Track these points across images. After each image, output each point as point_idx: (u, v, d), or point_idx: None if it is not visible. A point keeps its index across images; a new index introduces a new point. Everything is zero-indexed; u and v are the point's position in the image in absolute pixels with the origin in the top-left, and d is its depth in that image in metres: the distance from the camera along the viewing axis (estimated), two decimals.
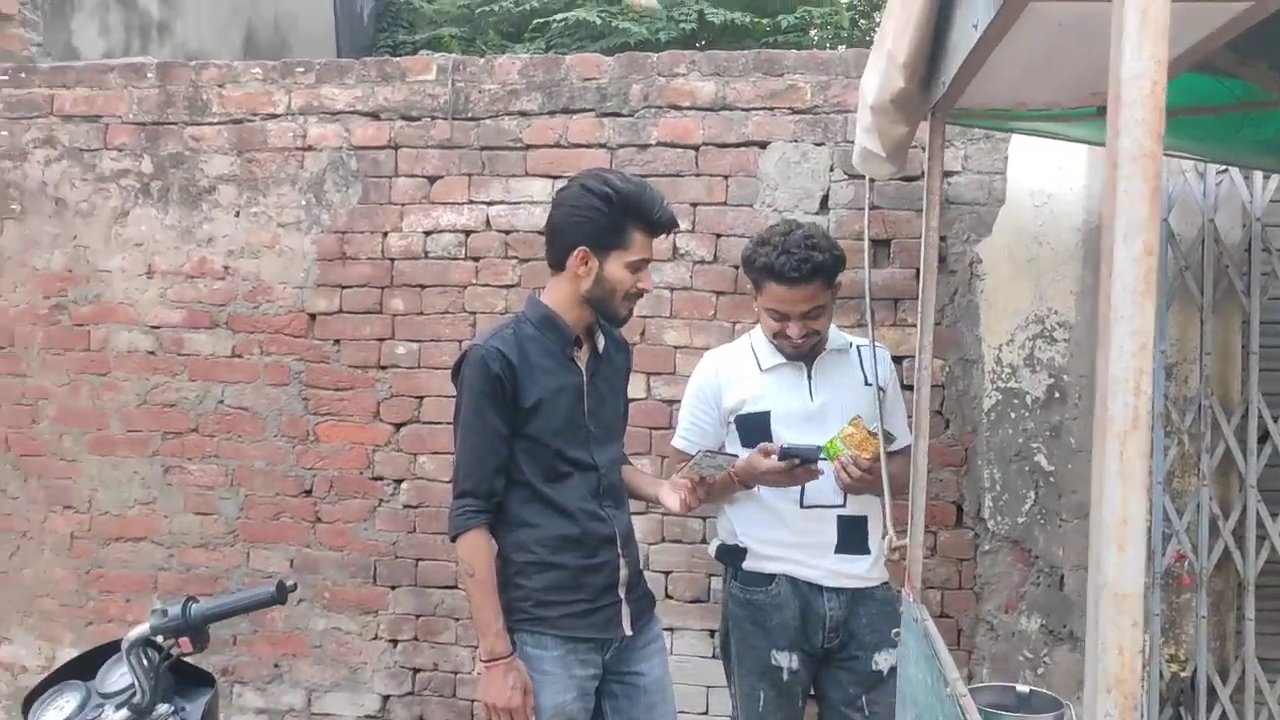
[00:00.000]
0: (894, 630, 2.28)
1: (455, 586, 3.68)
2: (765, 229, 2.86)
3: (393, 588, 3.74)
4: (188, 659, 1.93)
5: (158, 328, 3.87)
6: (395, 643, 3.75)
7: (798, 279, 2.59)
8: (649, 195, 2.41)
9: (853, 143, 3.36)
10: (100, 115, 3.90)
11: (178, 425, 3.86)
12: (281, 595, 1.97)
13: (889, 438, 2.58)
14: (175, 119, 3.86)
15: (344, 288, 3.80)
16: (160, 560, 3.85)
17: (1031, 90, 2.05)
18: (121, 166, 3.89)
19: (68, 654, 3.84)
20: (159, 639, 1.88)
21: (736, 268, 3.55)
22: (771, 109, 3.55)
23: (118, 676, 1.89)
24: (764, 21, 5.12)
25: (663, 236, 2.53)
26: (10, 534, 3.94)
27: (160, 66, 3.92)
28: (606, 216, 2.38)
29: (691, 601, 3.60)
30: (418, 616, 3.73)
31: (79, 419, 3.91)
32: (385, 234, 3.77)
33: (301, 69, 3.83)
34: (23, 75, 3.98)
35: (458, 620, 3.69)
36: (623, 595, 2.45)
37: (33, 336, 3.94)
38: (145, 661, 1.86)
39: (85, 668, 1.99)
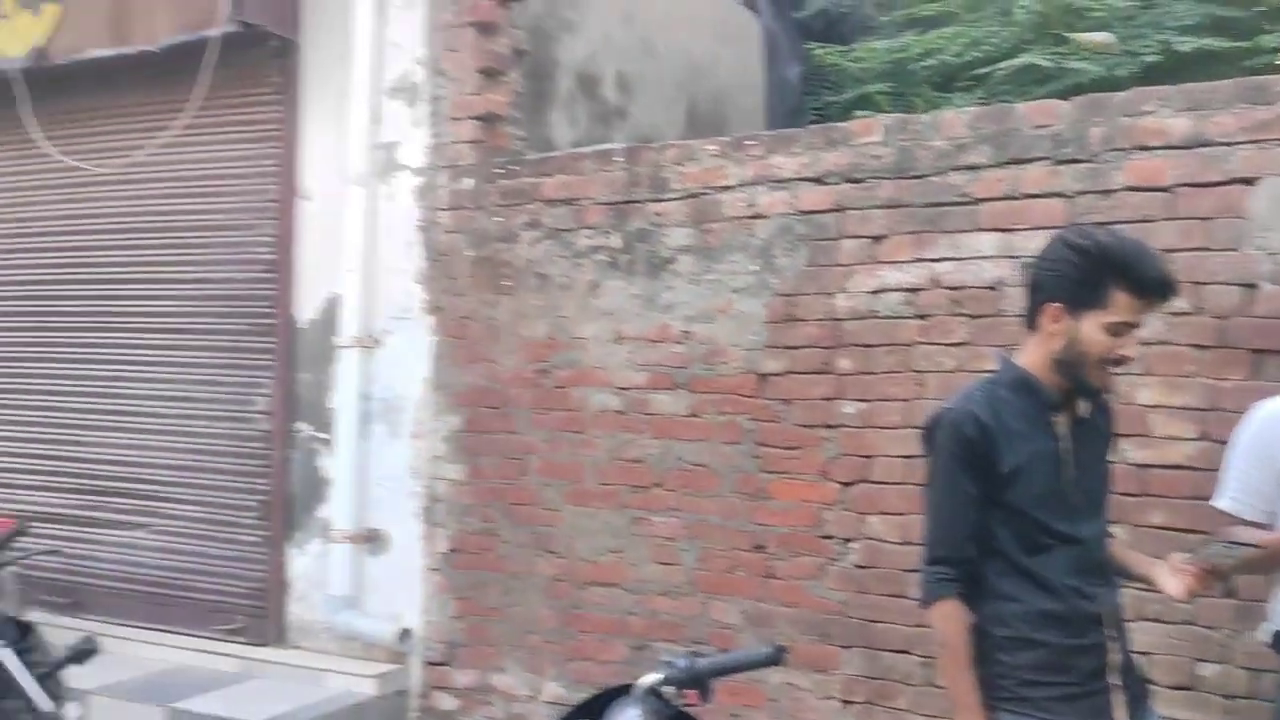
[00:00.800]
0: None
1: (909, 651, 3.62)
2: None
3: (845, 647, 3.75)
4: (690, 710, 2.06)
5: (625, 389, 4.21)
6: (848, 704, 3.74)
7: None
8: (1137, 251, 2.25)
9: None
10: (577, 198, 4.35)
11: (643, 480, 4.16)
12: (778, 657, 2.05)
13: None
14: (640, 197, 4.21)
15: (792, 349, 3.91)
16: (629, 605, 4.15)
17: None
18: (594, 243, 4.31)
19: (550, 686, 4.26)
20: (666, 689, 2.02)
21: (1222, 319, 3.23)
22: (1259, 141, 3.21)
23: None
24: (1240, 45, 4.61)
25: (1155, 301, 2.30)
26: (502, 574, 4.44)
27: (627, 150, 4.31)
28: (1082, 272, 2.25)
29: (1174, 688, 3.27)
30: (870, 679, 3.71)
31: (559, 472, 4.33)
32: (832, 295, 3.85)
33: (752, 142, 4.04)
34: (514, 168, 4.54)
35: (912, 686, 3.62)
36: (1115, 681, 2.28)
37: (522, 398, 4.44)
38: (654, 709, 2.00)
39: (593, 710, 2.18)
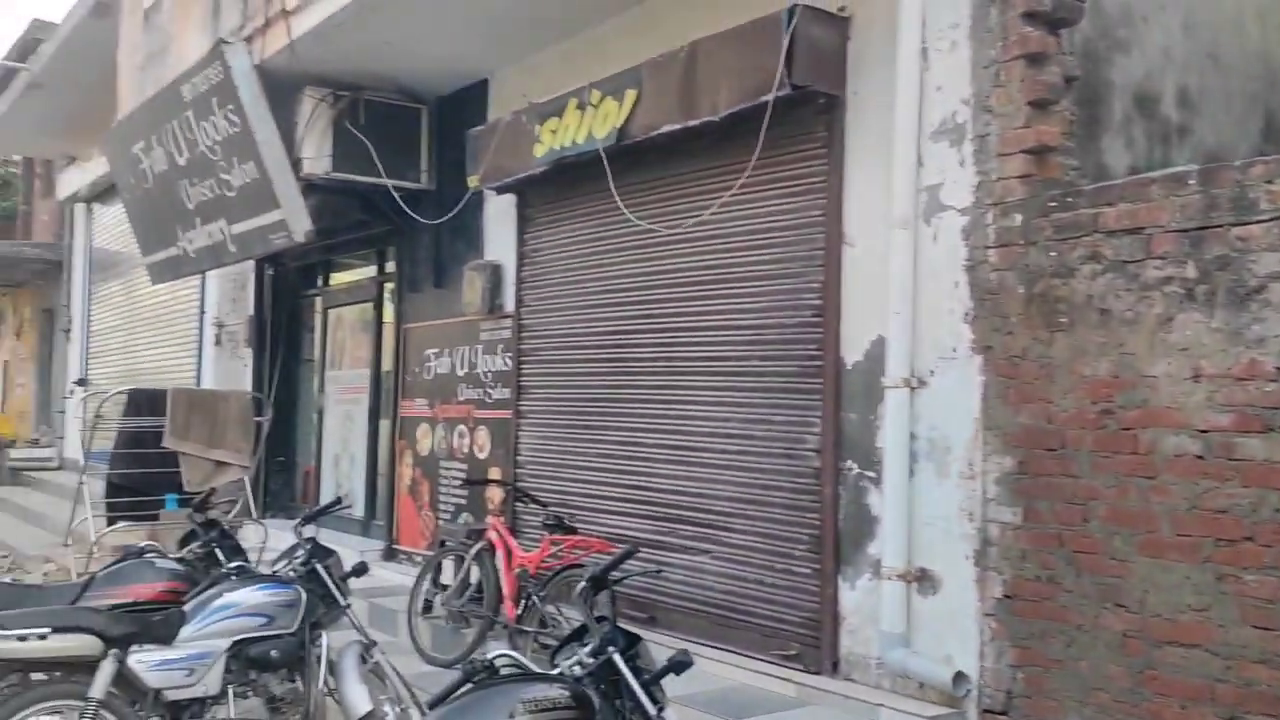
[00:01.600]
0: None
1: None
2: None
3: None
4: None
5: (1206, 432, 3.83)
6: None
7: None
8: None
9: None
10: (1142, 227, 4.06)
11: (1230, 532, 3.74)
12: None
13: None
14: (1220, 221, 3.83)
15: None
16: (1216, 671, 3.75)
17: None
18: (1164, 274, 3.99)
19: None
20: None
21: None
22: None
23: None
24: None
25: None
26: (1065, 625, 4.22)
27: (1202, 172, 3.95)
28: None
29: None
30: None
31: (1128, 520, 4.04)
32: None
33: None
34: (1068, 199, 4.36)
35: None
36: None
37: (1082, 439, 4.21)
38: None
39: None
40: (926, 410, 4.77)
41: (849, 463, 5.12)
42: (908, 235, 4.85)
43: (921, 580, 4.71)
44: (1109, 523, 4.10)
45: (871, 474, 4.99)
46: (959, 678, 4.47)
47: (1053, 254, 4.36)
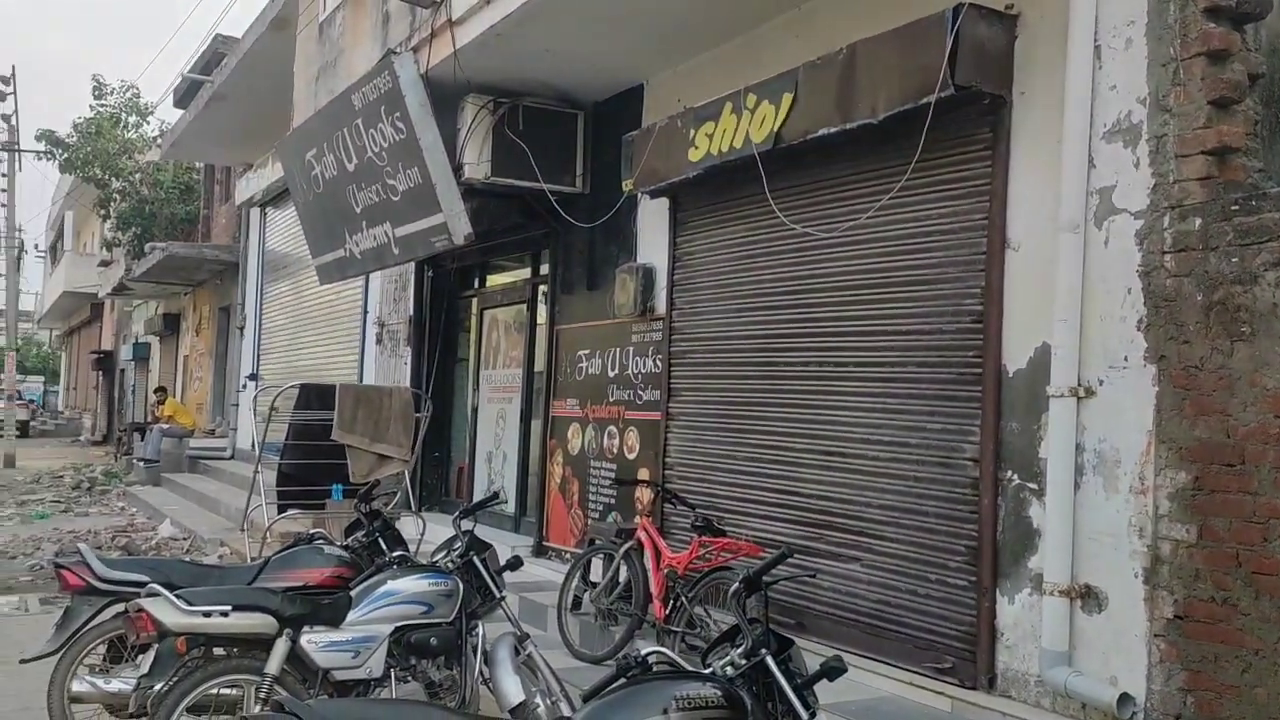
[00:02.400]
0: None
1: None
2: None
3: None
4: None
5: None
6: None
7: None
8: None
9: None
10: None
11: None
12: None
13: None
14: None
15: None
16: None
17: None
18: None
19: None
20: None
21: None
22: None
23: None
24: None
25: None
26: (1241, 650, 4.00)
27: None
28: None
29: None
30: None
31: None
32: None
33: None
34: (1252, 202, 4.13)
35: None
36: None
37: (1263, 455, 3.99)
38: None
39: None
40: (1094, 421, 4.60)
41: (1009, 473, 4.97)
42: (1077, 239, 4.68)
43: (1085, 597, 4.54)
44: None
45: (1033, 485, 4.84)
46: (1124, 700, 4.29)
47: (1234, 260, 4.14)
